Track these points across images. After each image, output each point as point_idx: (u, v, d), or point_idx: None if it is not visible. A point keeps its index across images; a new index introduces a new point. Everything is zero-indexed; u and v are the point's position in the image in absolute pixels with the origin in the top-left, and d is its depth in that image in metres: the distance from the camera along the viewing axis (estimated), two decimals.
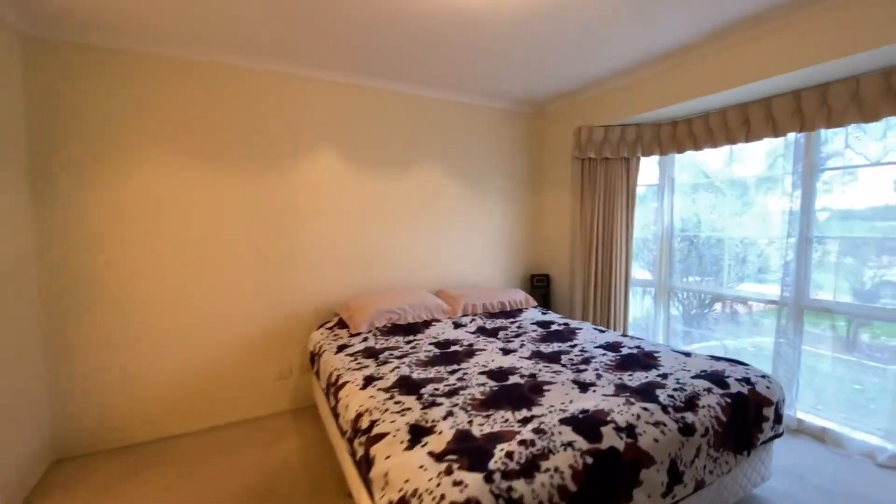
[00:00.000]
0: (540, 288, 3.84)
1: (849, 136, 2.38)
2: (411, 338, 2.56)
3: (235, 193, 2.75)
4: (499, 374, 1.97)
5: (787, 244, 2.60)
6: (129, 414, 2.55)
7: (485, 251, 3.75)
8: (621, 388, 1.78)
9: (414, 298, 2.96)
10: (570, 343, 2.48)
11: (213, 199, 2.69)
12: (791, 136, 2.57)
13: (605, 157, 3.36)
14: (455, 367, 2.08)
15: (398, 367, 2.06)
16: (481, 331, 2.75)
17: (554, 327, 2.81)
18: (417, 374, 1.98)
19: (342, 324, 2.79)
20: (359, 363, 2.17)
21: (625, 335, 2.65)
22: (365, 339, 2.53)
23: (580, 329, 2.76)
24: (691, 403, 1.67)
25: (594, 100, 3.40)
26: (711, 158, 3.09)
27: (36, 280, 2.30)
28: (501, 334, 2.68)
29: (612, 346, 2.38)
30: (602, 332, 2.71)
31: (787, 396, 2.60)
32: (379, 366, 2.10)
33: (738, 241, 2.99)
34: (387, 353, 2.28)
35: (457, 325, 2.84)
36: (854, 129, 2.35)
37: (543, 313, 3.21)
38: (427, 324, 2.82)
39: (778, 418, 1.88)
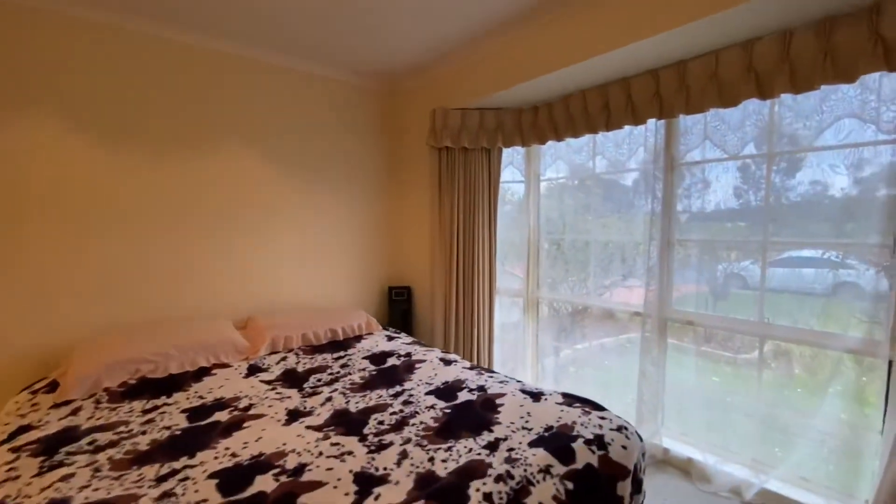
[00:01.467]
0: (399, 303, 3.18)
1: (708, 126, 2.09)
2: (160, 402, 1.69)
3: None
4: (239, 476, 1.21)
5: (650, 248, 2.27)
6: None
7: (329, 262, 2.98)
8: (422, 485, 1.15)
9: (189, 336, 2.07)
10: (398, 388, 1.83)
11: None
12: (652, 124, 2.24)
13: (463, 147, 2.80)
14: (175, 465, 1.27)
15: (67, 481, 1.19)
16: (286, 377, 1.97)
17: (391, 361, 2.15)
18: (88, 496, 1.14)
19: (55, 384, 1.80)
20: (9, 470, 1.25)
21: (474, 367, 2.09)
22: (73, 414, 1.59)
23: (423, 361, 2.14)
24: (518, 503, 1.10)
25: (449, 77, 2.83)
26: (577, 152, 2.72)
27: None
28: (312, 380, 1.94)
29: (449, 390, 1.78)
30: (448, 364, 2.11)
31: (653, 424, 2.27)
32: (42, 475, 1.21)
33: (603, 245, 2.64)
34: (84, 445, 1.38)
35: (252, 371, 2.01)
36: (713, 118, 2.07)
37: (390, 339, 2.54)
38: (201, 374, 1.95)
39: (637, 486, 1.42)
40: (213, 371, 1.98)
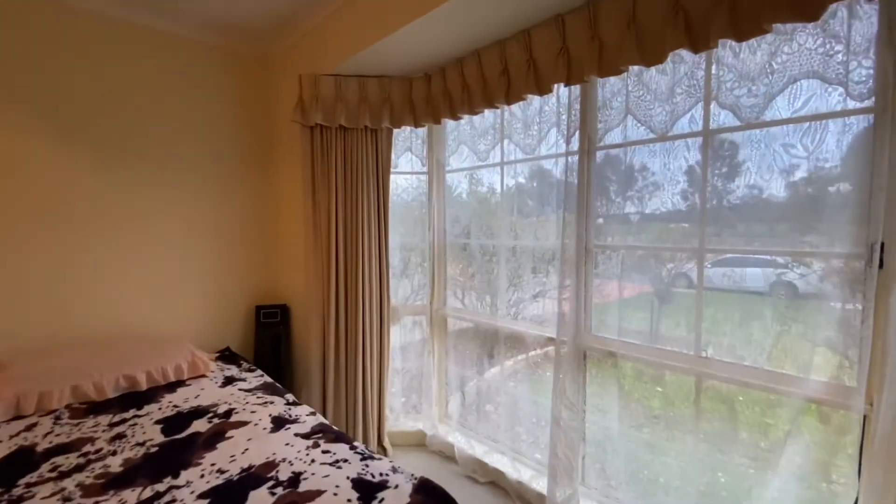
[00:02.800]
0: (270, 327, 2.50)
1: (630, 96, 1.59)
2: None
3: None
4: None
5: (565, 257, 1.73)
6: None
7: (175, 276, 2.25)
8: None
9: None
10: (167, 482, 1.17)
11: None
12: (564, 97, 1.71)
13: (341, 126, 2.17)
14: None
15: None
16: (9, 461, 1.25)
17: (197, 426, 1.48)
18: None
19: None
20: None
21: (323, 429, 1.46)
22: None
23: (245, 424, 1.48)
24: None
25: (316, 34, 2.20)
26: (482, 135, 2.16)
27: None
28: (45, 467, 1.23)
29: (240, 489, 1.14)
30: (280, 427, 1.47)
31: (568, 486, 1.74)
32: None
33: (511, 251, 2.10)
34: None
35: None
36: (636, 86, 1.57)
37: (227, 382, 1.86)
38: None
39: None
40: None
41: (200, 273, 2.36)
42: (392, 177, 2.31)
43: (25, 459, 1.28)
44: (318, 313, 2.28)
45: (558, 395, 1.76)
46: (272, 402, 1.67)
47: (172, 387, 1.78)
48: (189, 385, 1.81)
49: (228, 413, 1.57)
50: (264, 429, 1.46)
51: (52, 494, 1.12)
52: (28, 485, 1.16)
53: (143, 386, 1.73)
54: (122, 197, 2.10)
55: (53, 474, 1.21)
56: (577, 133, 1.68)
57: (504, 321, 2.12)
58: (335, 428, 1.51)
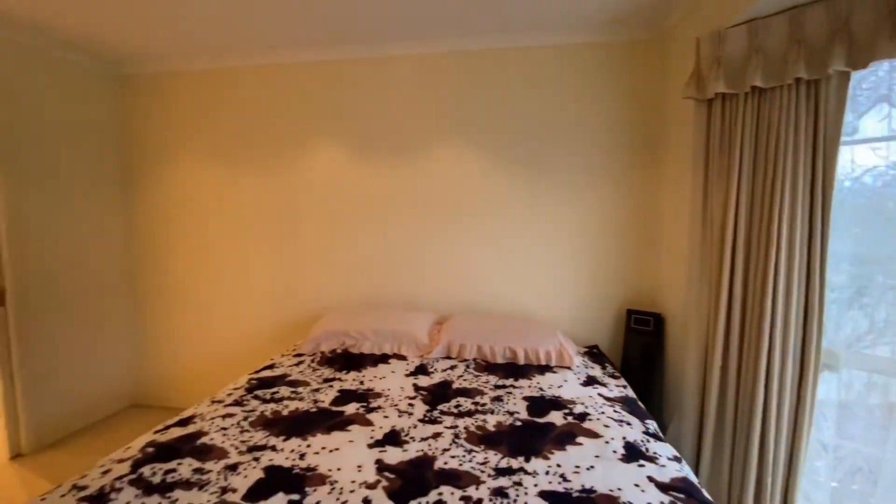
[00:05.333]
0: (640, 335, 2.28)
1: None
2: (345, 376, 1.90)
3: (246, 193, 2.78)
4: None
5: None
6: (175, 380, 3.00)
7: (550, 268, 2.50)
8: None
9: (389, 322, 2.25)
10: (516, 462, 1.26)
11: (227, 200, 2.81)
12: None
13: (754, 89, 1.61)
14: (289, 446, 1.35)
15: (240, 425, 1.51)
16: (434, 389, 1.77)
17: (553, 417, 1.53)
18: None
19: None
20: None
21: (677, 489, 1.15)
22: (297, 363, 2.06)
23: (597, 436, 1.39)
24: None
25: None
26: None
27: (120, 264, 2.97)
28: (452, 403, 1.65)
29: None
30: (635, 456, 1.26)
31: None
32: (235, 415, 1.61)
33: None
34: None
35: (417, 371, 1.95)
36: None
37: (587, 382, 1.84)
38: (382, 359, 2.07)
39: None
40: (390, 360, 2.07)
41: (575, 266, 2.47)
42: (842, 151, 1.49)
43: (445, 390, 1.76)
44: (700, 335, 1.83)
45: None
46: (629, 424, 1.48)
47: (541, 370, 1.95)
48: (555, 372, 1.92)
49: (583, 416, 1.52)
50: (614, 452, 1.30)
51: (450, 427, 1.45)
52: (441, 412, 1.58)
53: (521, 361, 2.00)
54: (520, 196, 2.50)
55: (455, 411, 1.58)
56: None
57: None
58: (706, 496, 1.12)
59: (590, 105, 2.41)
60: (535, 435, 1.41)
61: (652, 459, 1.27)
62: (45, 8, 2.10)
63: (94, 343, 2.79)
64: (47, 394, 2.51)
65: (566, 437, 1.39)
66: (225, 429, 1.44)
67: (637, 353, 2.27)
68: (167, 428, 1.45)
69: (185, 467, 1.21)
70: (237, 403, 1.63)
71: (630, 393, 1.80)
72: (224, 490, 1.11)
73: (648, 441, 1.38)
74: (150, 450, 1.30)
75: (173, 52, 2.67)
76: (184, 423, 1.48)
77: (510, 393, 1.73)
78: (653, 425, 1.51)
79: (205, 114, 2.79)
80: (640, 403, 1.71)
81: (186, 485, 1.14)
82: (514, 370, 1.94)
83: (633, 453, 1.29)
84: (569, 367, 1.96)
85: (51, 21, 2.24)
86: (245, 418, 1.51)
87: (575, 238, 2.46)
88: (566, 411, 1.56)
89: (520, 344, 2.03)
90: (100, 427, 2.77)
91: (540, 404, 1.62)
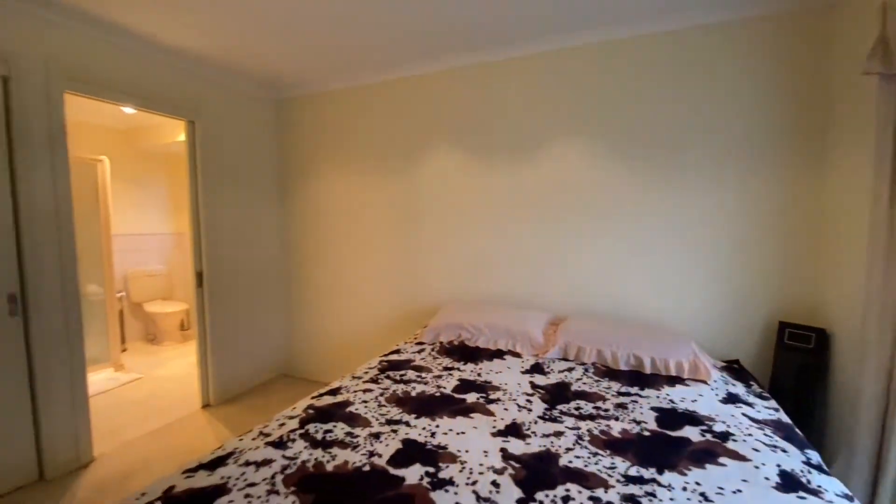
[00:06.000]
0: (796, 352, 1.96)
1: None
2: (463, 366, 2.02)
3: (374, 195, 3.11)
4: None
5: None
6: (314, 356, 3.49)
7: (684, 272, 2.29)
8: None
9: (504, 319, 2.31)
10: (649, 472, 1.20)
11: (359, 201, 3.17)
12: None
13: None
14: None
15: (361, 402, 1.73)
16: (552, 389, 1.78)
17: (688, 432, 1.42)
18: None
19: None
20: (365, 384, 1.97)
21: None
22: (419, 351, 2.24)
23: (747, 459, 1.25)
24: None
25: None
26: None
27: (278, 256, 3.56)
28: (572, 405, 1.64)
29: None
30: (793, 486, 1.12)
31: None
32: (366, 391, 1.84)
33: None
34: (406, 376, 1.92)
35: (533, 369, 1.97)
36: None
37: (727, 399, 1.65)
38: (497, 354, 2.14)
39: None
40: (505, 356, 2.12)
41: (714, 272, 2.21)
42: None
43: (563, 391, 1.75)
44: (882, 360, 1.51)
45: None
46: (784, 451, 1.30)
47: (671, 381, 1.81)
48: (688, 385, 1.76)
49: (725, 436, 1.38)
50: (767, 479, 1.16)
51: (572, 429, 1.45)
52: (561, 412, 1.57)
53: (647, 370, 1.88)
54: (649, 193, 2.33)
55: (576, 413, 1.57)
56: None
57: None
58: None
59: (737, 89, 2.13)
60: (667, 447, 1.33)
61: (815, 493, 1.10)
62: (238, 52, 2.64)
63: (259, 320, 3.41)
64: (227, 359, 3.14)
65: (704, 454, 1.28)
66: (366, 402, 1.65)
67: (791, 372, 1.95)
68: (321, 395, 1.71)
69: (339, 430, 1.43)
70: (373, 381, 1.85)
71: (784, 418, 1.57)
72: (371, 454, 1.29)
73: (810, 472, 1.19)
74: (311, 412, 1.56)
75: (317, 77, 3.11)
76: (333, 392, 1.73)
77: (635, 402, 1.64)
78: (815, 457, 1.30)
79: (342, 128, 3.19)
80: (797, 430, 1.48)
81: (342, 444, 1.34)
82: (639, 378, 1.84)
83: (790, 483, 1.14)
84: (704, 381, 1.78)
85: (237, 62, 2.80)
86: (381, 394, 1.71)
87: (715, 238, 2.21)
88: (704, 428, 1.43)
89: (646, 351, 1.91)
90: (259, 390, 3.37)
91: (672, 416, 1.51)
